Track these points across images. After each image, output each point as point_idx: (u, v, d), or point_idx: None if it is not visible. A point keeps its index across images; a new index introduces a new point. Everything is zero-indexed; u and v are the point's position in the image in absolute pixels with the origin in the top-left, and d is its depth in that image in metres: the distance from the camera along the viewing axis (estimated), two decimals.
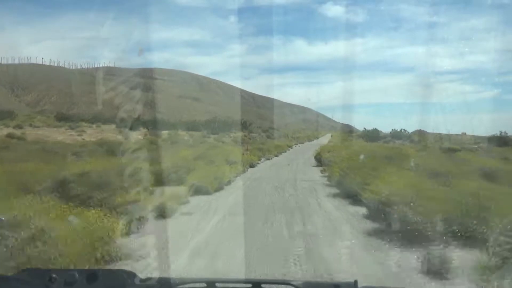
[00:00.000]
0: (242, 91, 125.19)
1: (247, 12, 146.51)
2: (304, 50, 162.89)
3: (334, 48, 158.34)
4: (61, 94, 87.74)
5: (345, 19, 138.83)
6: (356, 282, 1.97)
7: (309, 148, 39.76)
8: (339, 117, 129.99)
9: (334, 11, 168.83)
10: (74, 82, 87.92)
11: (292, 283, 2.02)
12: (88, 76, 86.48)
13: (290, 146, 40.28)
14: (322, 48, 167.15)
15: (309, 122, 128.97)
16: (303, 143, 49.94)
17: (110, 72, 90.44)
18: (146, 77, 72.61)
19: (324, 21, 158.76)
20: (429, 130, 36.37)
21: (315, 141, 61.02)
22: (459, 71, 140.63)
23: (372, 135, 42.61)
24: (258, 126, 58.59)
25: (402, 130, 42.61)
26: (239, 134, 40.01)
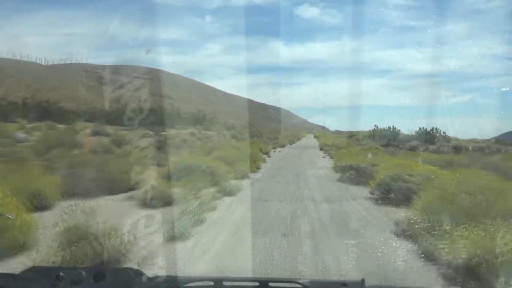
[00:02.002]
0: (216, 90, 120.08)
1: (223, 12, 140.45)
2: (280, 51, 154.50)
3: (310, 50, 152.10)
4: (30, 90, 77.24)
5: (322, 21, 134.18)
6: (363, 280, 1.90)
7: (300, 157, 23.96)
8: (313, 119, 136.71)
9: (311, 12, 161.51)
10: (45, 78, 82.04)
11: (299, 281, 1.95)
12: (59, 72, 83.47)
13: (267, 153, 24.35)
14: (298, 49, 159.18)
15: (285, 123, 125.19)
16: (283, 147, 34.15)
17: (83, 68, 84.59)
18: (119, 74, 71.41)
19: (300, 23, 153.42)
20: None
21: (297, 142, 45.65)
22: (437, 74, 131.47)
23: (390, 137, 26.96)
24: (224, 123, 42.81)
25: (435, 130, 27.22)
26: (187, 131, 24.21)
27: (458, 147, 24.89)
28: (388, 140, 28.33)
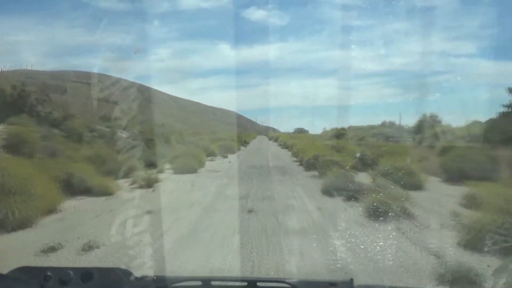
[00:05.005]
0: (163, 94, 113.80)
1: (171, 17, 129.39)
2: (228, 54, 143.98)
3: (258, 52, 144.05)
4: None
5: (269, 23, 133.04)
6: (351, 280, 1.82)
7: None
8: (262, 120, 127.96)
9: (258, 15, 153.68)
10: None
11: (287, 281, 1.82)
12: (2, 79, 76.27)
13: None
14: (246, 52, 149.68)
15: (233, 125, 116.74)
16: (194, 172, 16.94)
17: (27, 75, 77.98)
18: (63, 80, 71.12)
19: (248, 25, 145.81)
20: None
21: (244, 150, 31.32)
22: (381, 73, 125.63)
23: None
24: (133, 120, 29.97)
25: None
26: None
27: None
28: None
